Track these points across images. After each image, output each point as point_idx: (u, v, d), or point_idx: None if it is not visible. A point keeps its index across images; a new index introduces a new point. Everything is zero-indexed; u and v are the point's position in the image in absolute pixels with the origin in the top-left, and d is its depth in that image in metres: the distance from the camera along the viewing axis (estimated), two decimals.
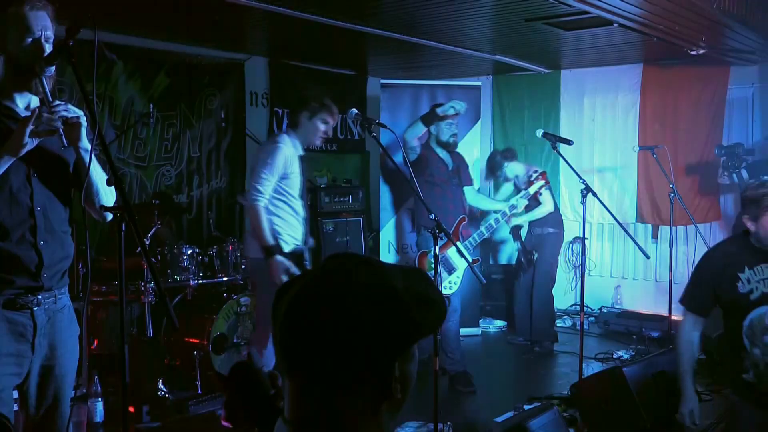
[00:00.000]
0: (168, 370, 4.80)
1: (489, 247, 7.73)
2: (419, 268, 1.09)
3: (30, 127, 2.23)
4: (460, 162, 5.53)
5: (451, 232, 5.03)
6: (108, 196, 2.47)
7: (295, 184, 4.28)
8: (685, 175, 6.74)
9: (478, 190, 6.50)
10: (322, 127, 4.34)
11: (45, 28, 2.31)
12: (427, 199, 5.07)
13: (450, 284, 5.16)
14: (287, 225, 4.26)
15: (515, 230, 6.50)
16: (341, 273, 1.10)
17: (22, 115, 2.35)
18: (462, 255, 3.70)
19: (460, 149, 6.95)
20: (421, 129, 5.39)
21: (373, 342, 1.06)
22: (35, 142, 2.26)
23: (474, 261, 5.09)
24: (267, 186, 4.15)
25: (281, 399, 1.11)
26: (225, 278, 5.24)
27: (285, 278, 3.99)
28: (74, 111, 2.34)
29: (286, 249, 4.21)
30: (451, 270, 5.15)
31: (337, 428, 1.08)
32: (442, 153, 5.38)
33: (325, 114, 4.31)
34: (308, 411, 1.09)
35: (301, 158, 4.34)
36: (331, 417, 1.08)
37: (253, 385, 1.09)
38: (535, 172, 5.57)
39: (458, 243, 5.02)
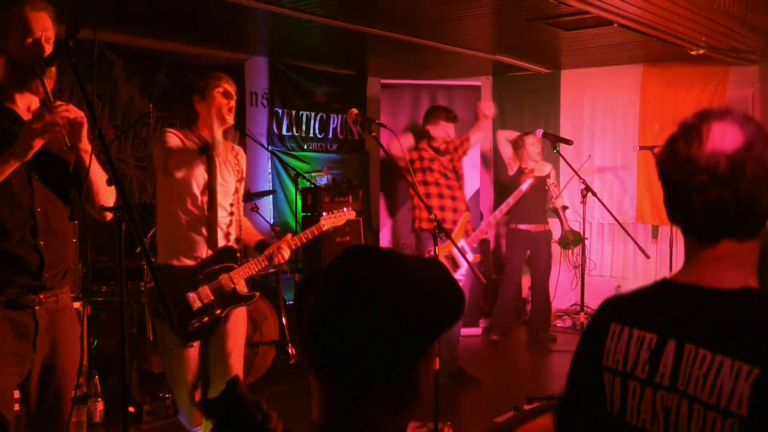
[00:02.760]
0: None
1: (488, 246, 7.73)
2: (435, 259, 1.10)
3: (35, 130, 2.23)
4: (453, 157, 5.51)
5: (456, 229, 5.01)
6: (108, 196, 2.47)
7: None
8: None
9: None
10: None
11: (45, 28, 2.32)
12: (425, 200, 5.08)
13: None
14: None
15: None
16: (365, 271, 1.10)
17: (24, 117, 2.35)
18: (463, 255, 3.68)
19: None
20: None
21: (400, 340, 1.06)
22: (39, 144, 2.26)
23: (475, 259, 5.08)
24: None
25: (271, 422, 1.11)
26: None
27: None
28: (76, 111, 2.34)
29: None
30: (455, 268, 5.10)
31: (363, 427, 1.09)
32: (430, 151, 5.37)
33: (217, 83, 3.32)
34: (335, 409, 1.10)
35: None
36: (358, 415, 1.09)
37: (240, 413, 1.08)
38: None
39: (462, 240, 5.02)
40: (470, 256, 5.05)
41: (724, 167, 1.32)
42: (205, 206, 3.29)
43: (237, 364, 3.39)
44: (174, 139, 3.25)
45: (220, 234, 3.35)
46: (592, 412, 1.48)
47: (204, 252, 3.29)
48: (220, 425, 1.08)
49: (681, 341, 1.36)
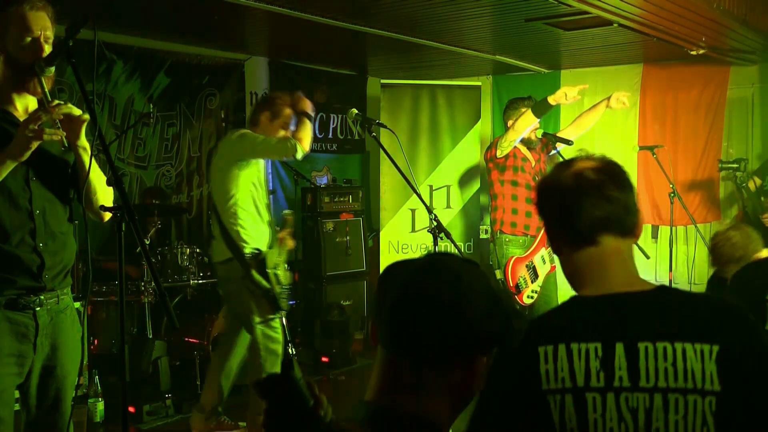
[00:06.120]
0: (168, 370, 4.80)
1: (487, 245, 7.71)
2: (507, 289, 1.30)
3: (32, 131, 2.22)
4: (541, 158, 5.02)
5: (539, 236, 4.84)
6: (107, 196, 2.47)
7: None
8: (685, 175, 6.74)
9: None
10: (280, 133, 4.08)
11: (45, 28, 2.31)
12: (511, 202, 4.95)
13: (532, 293, 4.78)
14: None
15: None
16: (451, 266, 1.19)
17: (21, 120, 2.34)
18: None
19: (460, 150, 6.99)
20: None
21: (474, 333, 1.15)
22: (35, 145, 2.26)
23: (552, 268, 4.96)
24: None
25: (321, 408, 1.14)
26: None
27: None
28: (76, 109, 2.33)
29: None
30: (535, 278, 4.80)
31: (419, 406, 1.16)
32: (523, 149, 4.91)
33: (286, 120, 4.10)
34: (395, 384, 1.17)
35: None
36: (419, 397, 1.16)
37: (293, 395, 1.11)
38: None
39: (542, 249, 4.92)
40: (548, 267, 4.93)
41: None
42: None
43: None
44: None
45: None
46: None
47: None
48: (272, 407, 1.12)
49: (631, 342, 1.41)
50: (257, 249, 4.06)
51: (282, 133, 4.09)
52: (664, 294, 1.49)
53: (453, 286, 1.15)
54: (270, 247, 4.17)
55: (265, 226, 4.16)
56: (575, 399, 1.40)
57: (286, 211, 4.94)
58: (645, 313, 1.44)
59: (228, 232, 4.01)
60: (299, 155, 3.97)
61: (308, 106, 4.10)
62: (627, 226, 1.53)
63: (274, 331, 4.09)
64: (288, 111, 4.10)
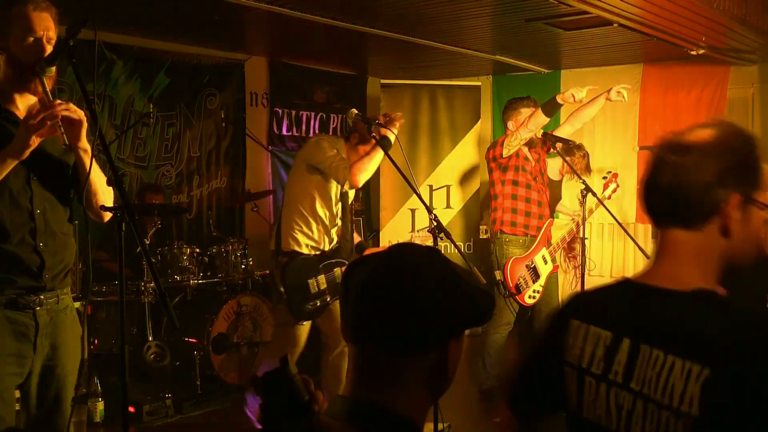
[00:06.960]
0: (168, 370, 4.80)
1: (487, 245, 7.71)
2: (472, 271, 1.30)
3: (32, 126, 2.22)
4: (541, 157, 5.05)
5: (539, 236, 4.86)
6: (107, 196, 2.47)
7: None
8: None
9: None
10: (359, 152, 3.99)
11: (47, 29, 2.31)
12: (511, 201, 4.95)
13: (534, 293, 4.82)
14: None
15: None
16: (415, 255, 1.19)
17: (23, 118, 2.34)
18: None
19: (459, 150, 7.00)
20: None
21: (441, 316, 1.15)
22: (37, 142, 2.26)
23: (554, 268, 4.97)
24: None
25: (316, 404, 1.15)
26: (225, 278, 5.24)
27: None
28: (76, 109, 2.33)
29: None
30: (536, 278, 4.82)
31: (394, 397, 1.16)
32: (524, 149, 4.92)
33: (368, 149, 3.95)
34: (370, 377, 1.17)
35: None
36: (393, 387, 1.16)
37: (288, 391, 1.13)
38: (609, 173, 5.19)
39: (543, 249, 4.92)
40: (550, 266, 4.94)
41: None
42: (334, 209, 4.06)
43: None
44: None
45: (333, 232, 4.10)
46: (553, 406, 1.53)
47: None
48: (267, 402, 1.13)
49: (636, 341, 1.38)
50: (297, 252, 3.97)
51: (360, 153, 3.98)
52: (693, 299, 1.35)
53: (412, 275, 1.15)
54: (323, 255, 4.04)
55: (320, 234, 4.04)
56: (578, 378, 1.45)
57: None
58: (659, 314, 1.37)
59: (279, 226, 4.04)
60: (345, 186, 3.95)
61: (389, 134, 3.88)
62: (686, 218, 1.37)
63: (298, 335, 4.02)
64: (374, 141, 3.91)
